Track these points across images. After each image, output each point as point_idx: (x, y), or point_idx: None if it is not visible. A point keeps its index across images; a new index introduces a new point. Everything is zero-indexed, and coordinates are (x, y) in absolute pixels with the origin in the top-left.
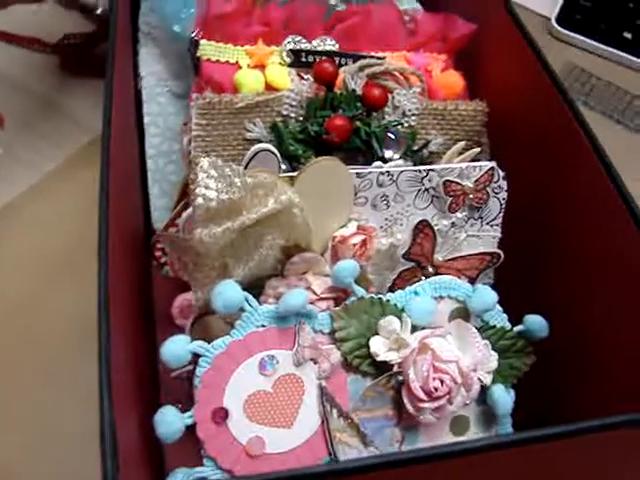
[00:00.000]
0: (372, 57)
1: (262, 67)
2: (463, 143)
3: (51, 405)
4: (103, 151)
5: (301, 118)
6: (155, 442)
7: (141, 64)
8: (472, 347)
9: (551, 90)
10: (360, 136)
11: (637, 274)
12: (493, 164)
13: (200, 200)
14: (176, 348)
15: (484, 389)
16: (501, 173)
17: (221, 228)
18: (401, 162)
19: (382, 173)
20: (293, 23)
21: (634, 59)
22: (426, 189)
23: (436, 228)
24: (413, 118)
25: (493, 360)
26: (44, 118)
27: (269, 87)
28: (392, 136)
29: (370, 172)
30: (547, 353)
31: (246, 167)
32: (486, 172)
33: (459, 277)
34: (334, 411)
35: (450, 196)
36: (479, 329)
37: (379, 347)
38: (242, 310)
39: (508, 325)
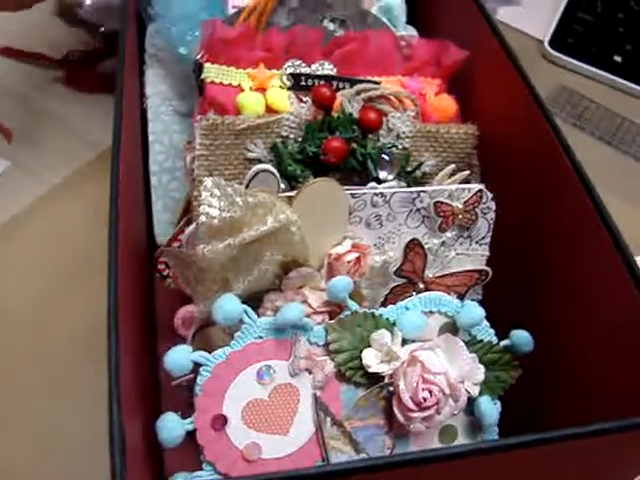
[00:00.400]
0: (368, 81)
1: (263, 90)
2: (454, 166)
3: (58, 412)
4: (113, 167)
5: (300, 139)
6: (155, 447)
7: (147, 84)
8: (460, 360)
9: (538, 116)
10: (356, 157)
11: (616, 295)
12: (482, 186)
13: (203, 218)
14: (179, 357)
15: (471, 400)
16: (489, 195)
17: (222, 244)
18: (394, 183)
19: (376, 194)
20: (293, 47)
21: (624, 82)
22: (417, 209)
23: (427, 246)
24: (407, 140)
25: (480, 373)
26: (50, 133)
27: (270, 109)
28: (386, 157)
29: (364, 193)
30: (533, 367)
31: (247, 186)
32: (475, 194)
33: (449, 293)
34: (328, 419)
35: (440, 216)
36: (467, 343)
37: (371, 359)
38: (241, 322)
39: (495, 340)
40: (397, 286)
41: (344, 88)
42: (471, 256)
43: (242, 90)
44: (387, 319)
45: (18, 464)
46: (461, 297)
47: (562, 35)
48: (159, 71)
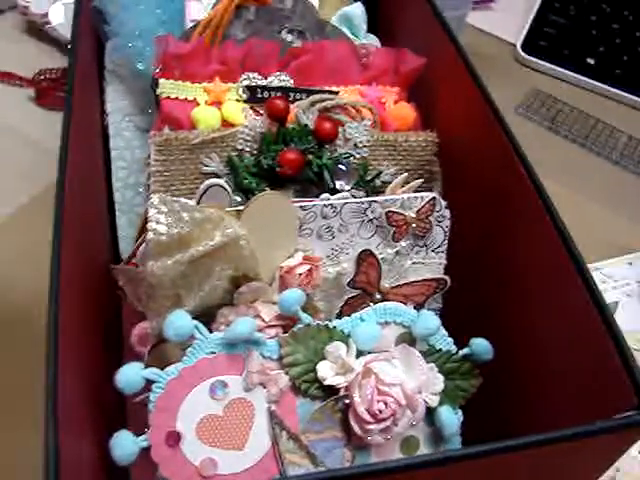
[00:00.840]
0: (324, 92)
1: (219, 104)
2: (406, 174)
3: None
4: (58, 188)
5: (255, 152)
6: (112, 467)
7: (107, 100)
8: (416, 370)
9: (492, 123)
10: (312, 168)
11: (571, 301)
12: (434, 194)
13: (151, 234)
14: (130, 374)
15: (432, 410)
16: (443, 203)
17: (171, 260)
18: (348, 194)
19: (326, 205)
20: (249, 60)
21: (597, 84)
22: (370, 219)
23: (381, 256)
24: (365, 150)
25: (439, 382)
26: (19, 151)
27: (226, 123)
28: (343, 167)
29: (314, 205)
30: (495, 375)
31: (199, 202)
32: (427, 202)
33: (406, 303)
34: (284, 433)
35: (393, 226)
36: (425, 353)
37: (326, 372)
38: (194, 338)
39: (454, 348)
40: (353, 297)
41: (301, 99)
42: (428, 265)
43: (198, 104)
44: (341, 331)
45: None
46: (420, 306)
47: (535, 38)
48: (119, 87)
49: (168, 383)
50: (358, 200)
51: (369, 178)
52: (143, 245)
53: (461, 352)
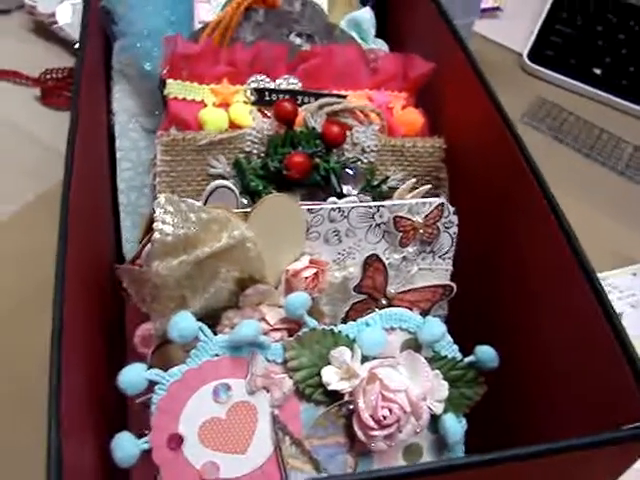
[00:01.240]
0: (333, 95)
1: (227, 105)
2: (414, 180)
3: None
4: (64, 186)
5: (263, 155)
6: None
7: (113, 100)
8: (422, 377)
9: (502, 129)
10: (319, 172)
11: (580, 309)
12: (442, 200)
13: (157, 234)
14: (133, 376)
15: (436, 418)
16: (451, 209)
17: (177, 261)
18: (355, 198)
19: (333, 209)
20: (258, 62)
21: (603, 94)
22: (377, 224)
23: (387, 262)
24: (372, 154)
25: (444, 390)
26: (25, 150)
27: (233, 125)
28: (350, 172)
29: (322, 208)
30: (499, 383)
31: (205, 203)
32: (436, 208)
33: (412, 309)
34: (286, 438)
35: (400, 231)
36: (430, 359)
37: (331, 377)
38: (198, 340)
39: (459, 355)
40: (358, 302)
41: (309, 102)
42: (434, 271)
43: (205, 106)
44: (347, 336)
45: None
46: (425, 313)
47: (541, 48)
48: (126, 87)
49: (171, 385)
50: (366, 204)
51: (376, 183)
52: (148, 245)
53: (466, 359)
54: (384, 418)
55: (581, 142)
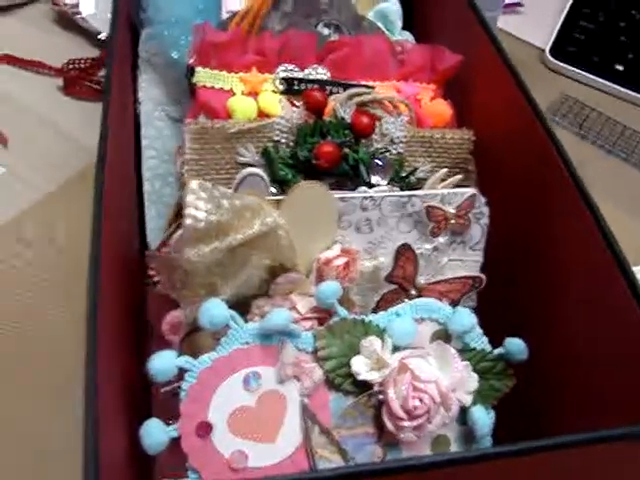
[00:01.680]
0: (361, 86)
1: (255, 94)
2: (446, 170)
3: (39, 423)
4: (97, 173)
5: (291, 144)
6: (142, 456)
7: (140, 89)
8: (451, 368)
9: (533, 121)
10: (348, 162)
11: (612, 302)
12: (474, 191)
13: (189, 221)
14: (163, 363)
15: (464, 409)
16: (482, 199)
17: (209, 248)
18: (386, 188)
19: (365, 198)
20: (286, 52)
21: (626, 91)
22: (409, 214)
23: (418, 252)
24: (401, 145)
25: (473, 381)
26: (47, 140)
27: (261, 114)
28: (379, 163)
29: (354, 197)
30: (528, 373)
31: (236, 190)
32: (467, 198)
33: (441, 300)
34: (315, 428)
35: (432, 221)
36: (460, 351)
37: (360, 366)
38: (228, 327)
39: (489, 347)
40: (388, 292)
41: (337, 92)
42: (465, 262)
43: (234, 94)
44: (377, 326)
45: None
46: (455, 304)
47: (563, 43)
48: (152, 76)
49: (201, 373)
50: (398, 194)
51: (404, 174)
52: (177, 232)
53: (495, 351)
54: (414, 409)
55: (603, 138)
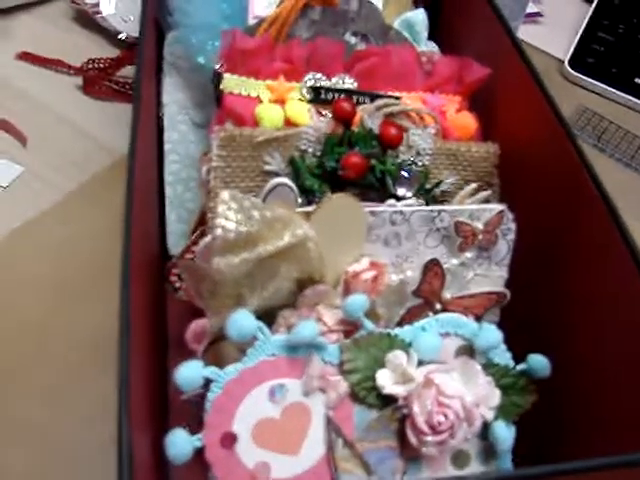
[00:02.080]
0: (389, 97)
1: (282, 102)
2: (475, 185)
3: (61, 421)
4: (129, 176)
5: (318, 153)
6: (162, 463)
7: (164, 92)
8: (476, 384)
9: (560, 135)
10: (375, 173)
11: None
12: (503, 207)
13: (220, 231)
14: (190, 373)
15: (486, 425)
16: (510, 216)
17: (238, 258)
18: (412, 201)
19: (395, 212)
20: (314, 60)
21: None
22: (437, 229)
23: (445, 266)
24: (427, 157)
25: (496, 397)
26: (67, 139)
27: (288, 122)
28: (406, 174)
29: (383, 210)
30: (550, 392)
31: (264, 200)
32: (496, 214)
33: (466, 315)
34: (339, 440)
35: (460, 236)
36: (483, 366)
37: (385, 380)
38: (255, 338)
39: (511, 363)
40: (414, 306)
41: (364, 102)
42: (489, 277)
43: (261, 101)
44: (403, 340)
45: (15, 473)
46: (478, 319)
47: (582, 55)
48: (177, 80)
49: (227, 383)
50: (428, 208)
51: (429, 187)
52: (203, 240)
53: (518, 367)
54: (439, 424)
55: (621, 152)
